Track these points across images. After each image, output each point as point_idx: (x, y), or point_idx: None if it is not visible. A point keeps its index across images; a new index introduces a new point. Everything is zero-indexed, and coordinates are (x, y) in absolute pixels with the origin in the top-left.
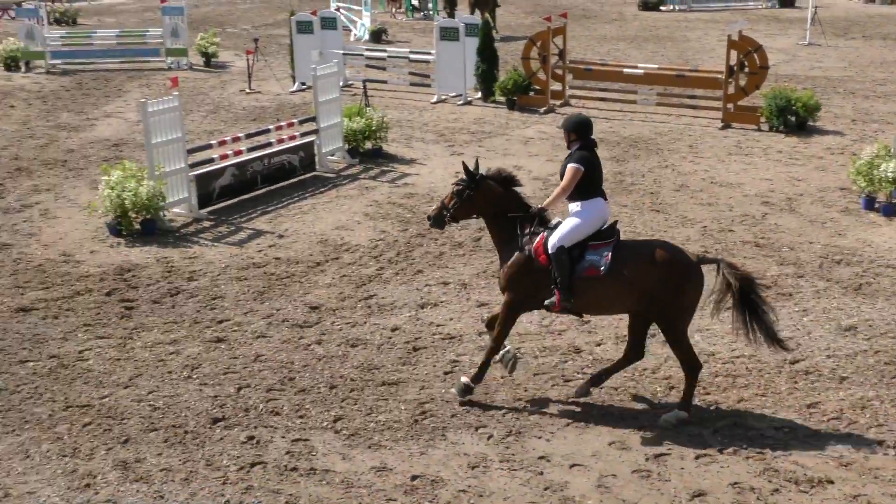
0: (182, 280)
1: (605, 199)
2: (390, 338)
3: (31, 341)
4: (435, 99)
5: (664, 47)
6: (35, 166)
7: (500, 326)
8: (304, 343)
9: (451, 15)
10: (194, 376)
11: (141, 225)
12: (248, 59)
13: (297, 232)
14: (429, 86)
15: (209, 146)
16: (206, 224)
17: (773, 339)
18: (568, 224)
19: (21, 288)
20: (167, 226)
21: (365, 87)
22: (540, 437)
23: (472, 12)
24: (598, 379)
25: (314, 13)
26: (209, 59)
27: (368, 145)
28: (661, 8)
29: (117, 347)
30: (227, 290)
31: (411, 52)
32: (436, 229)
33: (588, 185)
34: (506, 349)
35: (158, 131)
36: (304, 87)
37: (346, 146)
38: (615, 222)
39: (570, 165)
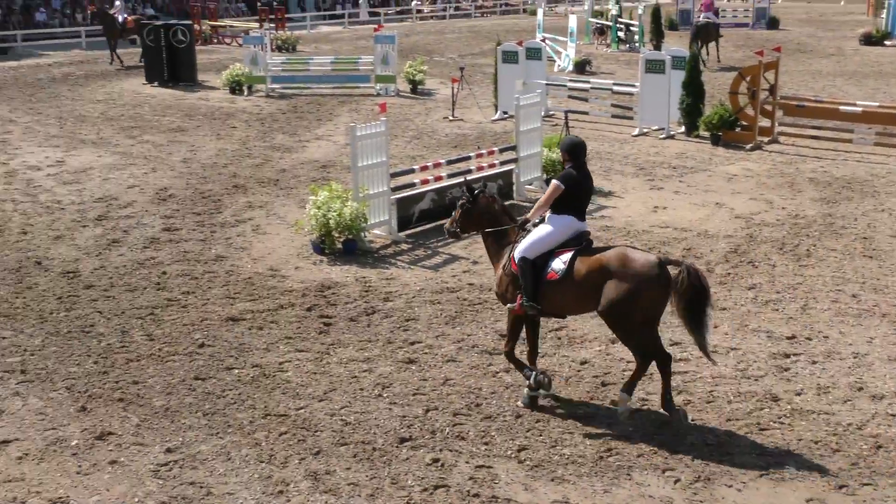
0: (378, 300)
1: (581, 218)
2: (579, 371)
3: (237, 350)
4: (636, 132)
5: (887, 84)
6: (250, 184)
7: (507, 333)
8: (492, 370)
9: (658, 47)
10: (385, 395)
11: (343, 244)
12: (452, 88)
13: None
14: (631, 118)
15: (411, 171)
16: (404, 247)
17: (704, 349)
18: (532, 236)
19: (231, 298)
20: (367, 246)
21: (567, 117)
22: (731, 486)
23: (693, 44)
24: (669, 405)
25: (520, 43)
26: (416, 87)
27: None
28: (886, 42)
29: (314, 361)
30: (420, 313)
31: (615, 84)
32: (453, 239)
33: (563, 203)
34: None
35: (365, 155)
36: (505, 115)
37: (544, 176)
38: (587, 233)
39: (553, 181)
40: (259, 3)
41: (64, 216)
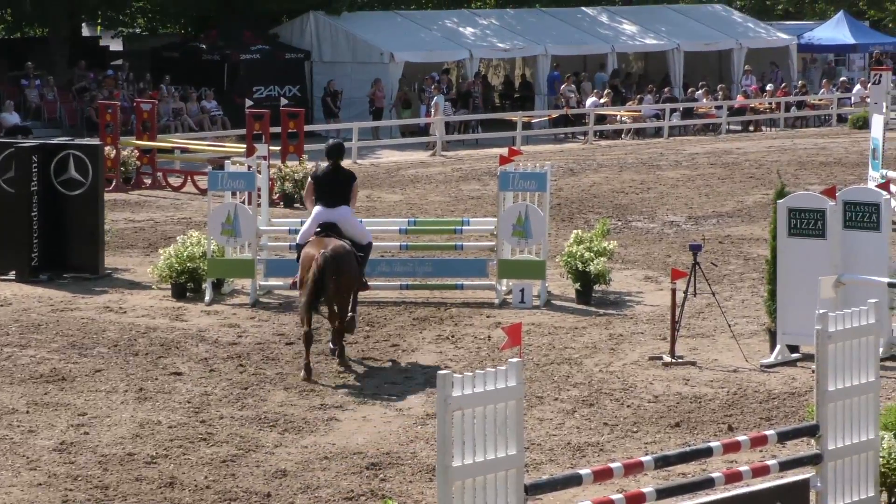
0: None
1: (328, 206)
2: None
3: None
4: None
5: None
6: None
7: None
8: None
9: None
10: None
11: None
12: (673, 290)
13: None
14: None
15: (574, 480)
16: None
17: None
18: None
19: None
20: None
21: None
22: None
23: None
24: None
25: (830, 192)
26: (589, 286)
27: None
28: None
29: None
30: None
31: None
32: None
33: (317, 195)
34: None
35: (471, 444)
36: (793, 357)
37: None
38: (332, 224)
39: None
40: (247, 102)
41: None
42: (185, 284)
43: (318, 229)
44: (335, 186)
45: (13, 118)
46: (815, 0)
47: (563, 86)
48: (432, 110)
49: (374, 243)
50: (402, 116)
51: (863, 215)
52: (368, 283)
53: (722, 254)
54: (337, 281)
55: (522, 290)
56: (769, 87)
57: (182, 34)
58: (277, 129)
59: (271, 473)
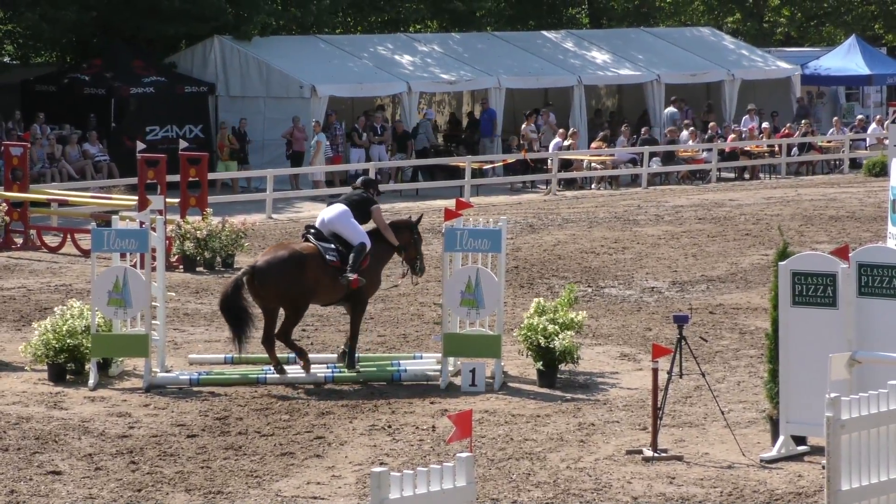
0: None
1: (328, 205)
2: None
3: None
4: None
5: None
6: None
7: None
8: None
9: None
10: None
11: None
12: (654, 370)
13: None
14: None
15: None
16: None
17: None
18: None
19: None
20: None
21: None
22: None
23: None
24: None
25: (841, 251)
26: (553, 365)
27: None
28: None
29: None
30: None
31: None
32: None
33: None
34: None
35: None
36: (802, 450)
37: None
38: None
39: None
40: (138, 145)
41: None
42: (65, 365)
43: (303, 232)
44: (349, 198)
45: None
46: (822, 23)
47: (523, 125)
48: (312, 152)
49: None
50: (228, 170)
51: (881, 280)
52: (357, 278)
53: (713, 326)
54: (261, 291)
55: (473, 371)
56: (750, 125)
57: (59, 64)
58: (176, 178)
59: None
